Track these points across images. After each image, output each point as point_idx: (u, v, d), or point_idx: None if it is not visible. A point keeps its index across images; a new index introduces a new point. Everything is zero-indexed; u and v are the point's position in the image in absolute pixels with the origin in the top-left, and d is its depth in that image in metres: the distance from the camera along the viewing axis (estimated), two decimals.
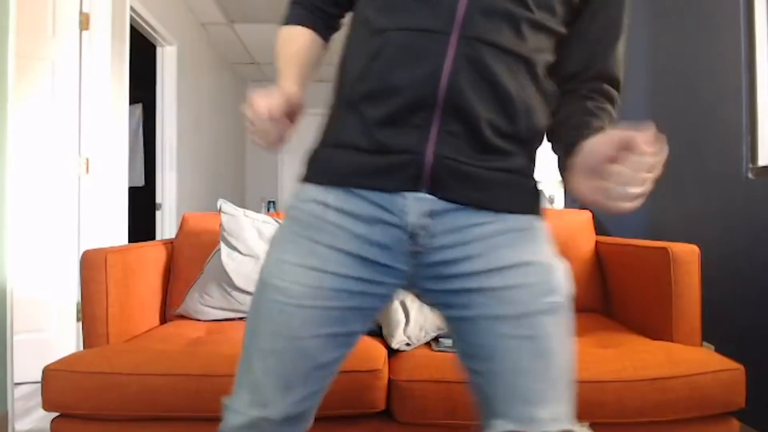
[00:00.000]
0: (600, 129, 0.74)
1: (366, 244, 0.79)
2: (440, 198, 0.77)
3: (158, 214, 3.79)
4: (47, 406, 1.42)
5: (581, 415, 1.38)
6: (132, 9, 3.06)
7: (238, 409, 0.81)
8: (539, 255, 0.79)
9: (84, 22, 2.67)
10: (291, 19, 0.96)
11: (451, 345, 1.61)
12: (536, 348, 0.75)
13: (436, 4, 0.75)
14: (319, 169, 0.83)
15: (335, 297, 0.79)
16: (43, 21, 2.55)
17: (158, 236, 3.78)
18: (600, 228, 2.34)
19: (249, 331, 0.84)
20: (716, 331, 1.82)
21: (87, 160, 2.70)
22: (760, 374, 1.56)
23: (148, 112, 4.60)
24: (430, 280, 0.81)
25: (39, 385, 1.44)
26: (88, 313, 1.62)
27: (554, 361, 0.76)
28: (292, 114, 0.84)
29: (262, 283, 0.83)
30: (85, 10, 2.68)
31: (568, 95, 0.85)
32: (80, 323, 2.30)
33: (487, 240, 0.78)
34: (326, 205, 0.80)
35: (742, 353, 1.55)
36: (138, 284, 1.80)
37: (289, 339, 0.79)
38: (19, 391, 2.29)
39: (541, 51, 0.80)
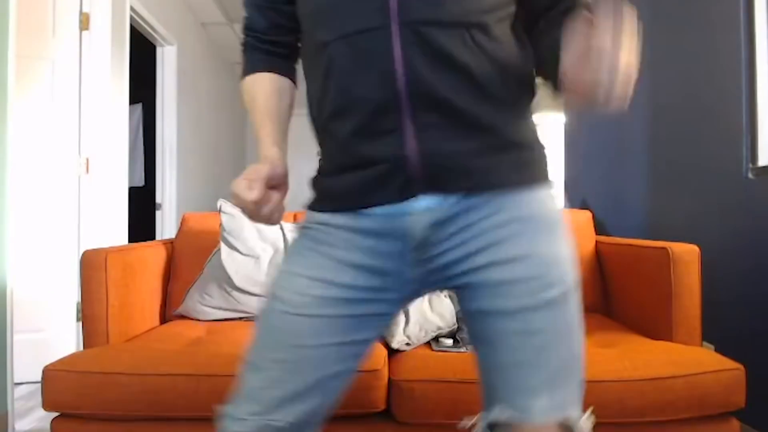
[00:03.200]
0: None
1: (374, 255, 0.79)
2: (438, 194, 0.75)
3: (158, 214, 3.79)
4: (47, 406, 1.42)
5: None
6: (132, 9, 3.06)
7: (240, 416, 0.79)
8: (540, 246, 0.77)
9: (84, 22, 2.67)
10: (249, 68, 0.92)
11: (451, 345, 1.61)
12: (534, 342, 0.75)
13: None
14: (320, 197, 0.85)
15: (343, 306, 0.79)
16: (43, 21, 2.55)
17: (158, 236, 3.77)
18: (600, 228, 2.34)
19: (255, 342, 0.83)
20: (716, 331, 1.82)
21: (87, 160, 2.70)
22: (760, 374, 1.56)
23: (148, 112, 4.60)
24: (437, 282, 0.82)
25: (39, 385, 1.44)
26: (88, 313, 1.62)
27: (553, 354, 0.75)
28: (278, 184, 0.83)
29: (272, 294, 0.83)
30: (85, 10, 2.68)
31: (547, 24, 0.80)
32: (80, 323, 2.30)
33: (489, 234, 0.76)
34: (336, 226, 0.81)
35: (742, 353, 1.55)
36: (138, 284, 1.80)
37: (296, 348, 0.79)
38: (19, 391, 2.29)
39: (497, 8, 0.76)
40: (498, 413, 0.76)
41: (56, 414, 1.45)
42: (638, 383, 1.37)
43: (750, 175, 1.76)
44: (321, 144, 0.85)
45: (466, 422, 0.79)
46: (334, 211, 0.81)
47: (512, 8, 0.79)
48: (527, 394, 0.75)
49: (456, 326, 1.64)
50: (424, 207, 0.76)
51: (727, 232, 1.87)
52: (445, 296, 1.70)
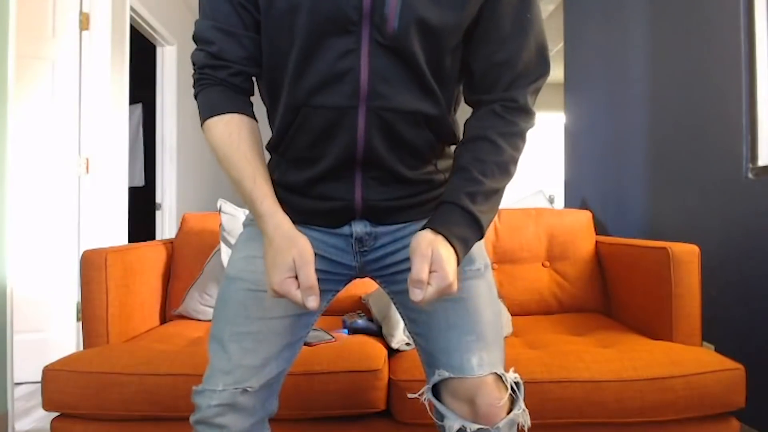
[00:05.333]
0: (472, 181, 0.83)
1: (322, 244, 0.94)
2: (371, 222, 0.94)
3: (158, 214, 3.79)
4: (47, 406, 1.42)
5: (581, 415, 1.39)
6: (132, 9, 3.06)
7: (216, 389, 0.87)
8: None
9: (84, 22, 2.67)
10: (217, 108, 0.86)
11: None
12: (463, 307, 0.89)
13: (342, 81, 0.83)
14: None
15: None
16: (43, 21, 2.55)
17: (158, 236, 3.77)
18: (600, 228, 2.34)
19: (220, 321, 0.93)
20: (716, 331, 1.82)
21: (87, 160, 2.70)
22: (760, 374, 1.56)
23: (148, 112, 4.60)
24: (375, 270, 0.98)
25: (39, 385, 1.44)
26: (88, 313, 1.62)
27: (479, 316, 0.90)
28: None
29: (231, 278, 0.93)
30: (85, 10, 2.68)
31: (481, 107, 0.90)
32: (80, 323, 2.30)
33: (415, 228, 0.90)
34: None
35: (742, 353, 1.55)
36: (138, 284, 1.80)
37: (263, 320, 0.90)
38: (19, 391, 2.29)
39: (444, 96, 0.89)
40: (439, 375, 0.88)
41: (56, 414, 1.46)
42: (638, 383, 1.37)
43: (750, 175, 1.76)
44: (280, 163, 0.95)
45: (414, 394, 0.93)
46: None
47: (456, 90, 0.93)
48: (462, 353, 0.87)
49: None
50: (360, 225, 0.94)
51: (727, 232, 1.87)
52: None
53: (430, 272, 0.74)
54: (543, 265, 2.12)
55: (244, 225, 1.01)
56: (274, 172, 0.95)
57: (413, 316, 0.95)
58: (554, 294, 2.07)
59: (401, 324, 1.60)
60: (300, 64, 0.84)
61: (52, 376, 1.42)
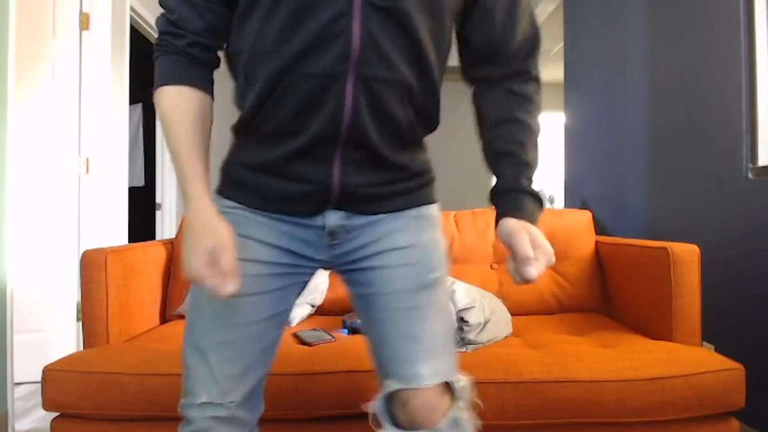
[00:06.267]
0: (523, 165, 0.87)
1: (291, 239, 0.90)
2: (348, 212, 0.89)
3: (158, 214, 3.78)
4: (47, 406, 1.42)
5: (581, 415, 1.39)
6: (132, 9, 3.06)
7: (206, 402, 0.86)
8: (424, 238, 0.93)
9: (84, 22, 2.67)
10: (172, 77, 0.86)
11: None
12: (418, 316, 0.89)
13: (331, 45, 0.79)
14: (239, 191, 0.91)
15: (269, 282, 0.89)
16: (43, 21, 2.55)
17: (158, 236, 3.77)
18: (600, 228, 2.34)
19: (195, 330, 0.90)
20: (716, 331, 1.82)
21: (87, 160, 2.70)
22: (760, 374, 1.56)
23: (148, 112, 4.59)
24: (343, 264, 0.94)
25: (39, 385, 1.44)
26: (88, 313, 1.62)
27: (432, 326, 0.89)
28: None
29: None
30: (85, 10, 2.68)
31: (493, 86, 0.92)
32: (80, 323, 2.30)
33: (389, 227, 0.91)
34: (253, 211, 0.90)
35: (742, 353, 1.55)
36: (138, 284, 1.80)
37: (239, 327, 0.87)
38: (19, 391, 2.29)
39: (436, 67, 0.87)
40: (390, 385, 0.87)
41: (56, 414, 1.46)
42: (638, 383, 1.37)
43: (750, 175, 1.76)
44: (248, 141, 0.90)
45: (366, 407, 0.92)
46: (249, 206, 0.89)
47: (444, 63, 0.91)
48: (413, 364, 0.87)
49: (455, 326, 1.64)
50: (334, 216, 0.89)
51: (727, 232, 1.87)
52: None
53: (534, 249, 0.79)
54: None
55: None
56: (241, 154, 0.91)
57: (371, 322, 0.93)
58: (554, 294, 2.07)
59: None
60: (289, 26, 0.80)
61: (52, 376, 1.42)
